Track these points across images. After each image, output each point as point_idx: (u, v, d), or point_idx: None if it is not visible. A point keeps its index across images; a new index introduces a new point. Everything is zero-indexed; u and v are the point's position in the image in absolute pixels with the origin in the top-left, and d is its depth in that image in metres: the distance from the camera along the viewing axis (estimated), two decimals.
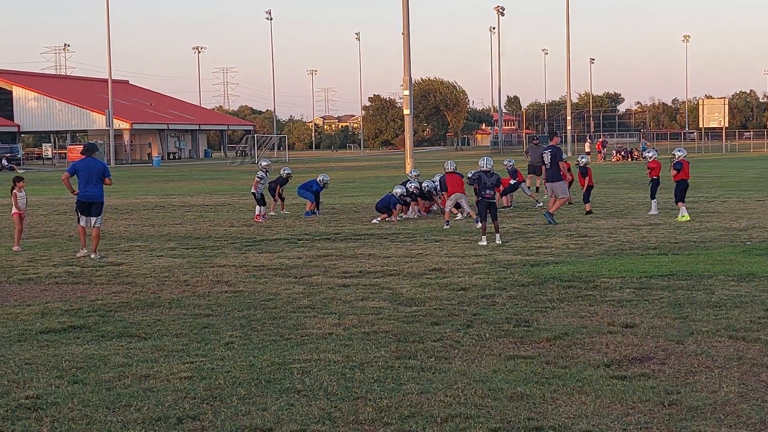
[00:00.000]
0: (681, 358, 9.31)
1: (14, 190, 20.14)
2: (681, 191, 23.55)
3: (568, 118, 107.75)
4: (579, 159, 27.50)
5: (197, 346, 10.22)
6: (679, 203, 23.52)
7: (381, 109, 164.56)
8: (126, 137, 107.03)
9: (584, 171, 26.61)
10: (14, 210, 20.13)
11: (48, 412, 7.80)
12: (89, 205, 18.29)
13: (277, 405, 7.88)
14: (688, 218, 23.07)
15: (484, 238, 19.25)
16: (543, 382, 8.47)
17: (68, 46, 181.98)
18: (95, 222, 18.27)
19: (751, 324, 10.75)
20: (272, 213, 27.67)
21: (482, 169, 19.88)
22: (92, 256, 18.18)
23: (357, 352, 9.74)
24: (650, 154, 25.77)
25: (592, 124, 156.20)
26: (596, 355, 9.48)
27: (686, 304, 12.06)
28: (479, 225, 20.03)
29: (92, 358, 9.73)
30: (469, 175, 20.55)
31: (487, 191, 19.52)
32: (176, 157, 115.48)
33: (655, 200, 25.44)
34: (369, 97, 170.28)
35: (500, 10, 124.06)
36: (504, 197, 27.91)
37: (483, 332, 10.61)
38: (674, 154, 24.38)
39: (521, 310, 11.88)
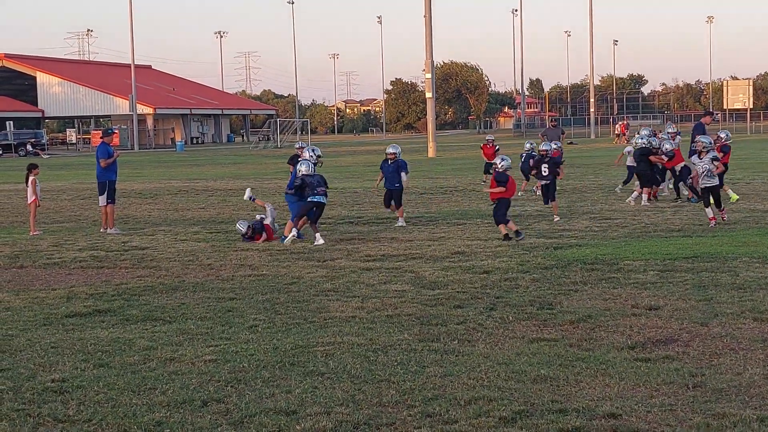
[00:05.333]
0: (705, 340, 9.27)
1: (32, 177, 20.32)
2: (720, 174, 23.29)
3: (592, 100, 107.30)
4: (719, 134, 24.40)
5: (221, 330, 10.27)
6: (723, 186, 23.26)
7: (403, 92, 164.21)
8: (149, 122, 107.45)
9: (725, 148, 23.41)
10: (33, 197, 20.27)
11: (74, 395, 7.87)
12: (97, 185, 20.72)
13: (301, 387, 7.92)
14: (736, 198, 22.91)
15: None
16: (566, 364, 8.46)
17: (91, 31, 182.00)
18: (101, 201, 20.36)
19: None
20: (534, 190, 26.46)
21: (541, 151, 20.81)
22: (108, 230, 20.06)
23: (380, 335, 9.77)
24: (722, 135, 24.11)
25: (615, 107, 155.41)
26: (620, 337, 9.46)
27: (710, 286, 12.00)
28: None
29: (117, 342, 9.80)
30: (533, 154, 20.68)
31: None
32: (199, 142, 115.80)
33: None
34: (391, 81, 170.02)
35: None
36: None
37: (506, 315, 10.60)
38: (719, 137, 23.84)
39: (544, 293, 11.86)
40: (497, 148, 32.22)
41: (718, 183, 18.78)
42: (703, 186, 18.64)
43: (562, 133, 35.08)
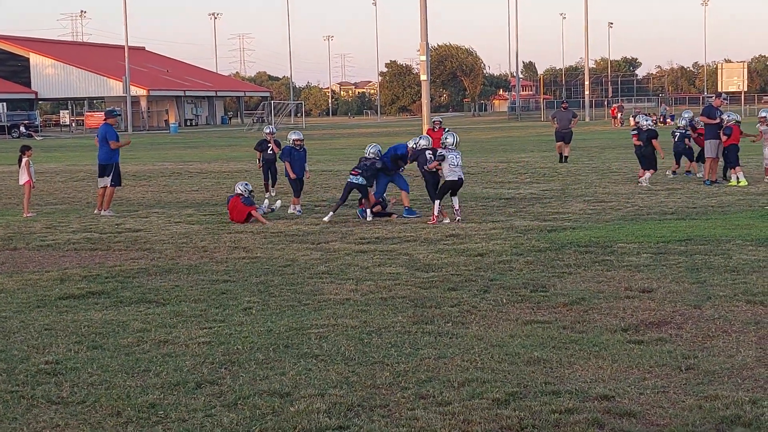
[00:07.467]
0: (698, 322, 9.30)
1: (25, 159, 20.23)
2: (733, 156, 23.32)
3: (586, 83, 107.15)
4: (722, 117, 24.10)
5: (215, 312, 10.28)
6: (735, 168, 23.26)
7: (398, 75, 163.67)
8: (143, 104, 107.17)
9: (728, 130, 23.36)
10: (27, 178, 20.19)
11: (67, 377, 7.87)
12: (98, 167, 20.40)
13: (295, 370, 7.93)
14: (746, 183, 22.86)
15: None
16: (560, 346, 8.49)
17: (85, 12, 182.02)
18: (102, 182, 20.20)
19: None
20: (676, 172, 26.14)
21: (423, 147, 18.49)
22: (102, 212, 19.91)
23: (374, 318, 9.78)
24: (725, 117, 23.78)
25: (610, 89, 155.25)
26: (613, 319, 9.48)
27: (704, 268, 12.03)
28: None
29: (111, 324, 9.80)
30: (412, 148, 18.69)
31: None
32: (193, 124, 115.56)
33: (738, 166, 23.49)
34: (386, 63, 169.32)
35: None
36: None
37: (500, 297, 10.62)
38: (722, 118, 23.82)
39: (538, 276, 11.87)
40: (447, 129, 30.76)
41: (460, 177, 17.19)
42: (446, 178, 17.11)
43: (574, 116, 34.61)
